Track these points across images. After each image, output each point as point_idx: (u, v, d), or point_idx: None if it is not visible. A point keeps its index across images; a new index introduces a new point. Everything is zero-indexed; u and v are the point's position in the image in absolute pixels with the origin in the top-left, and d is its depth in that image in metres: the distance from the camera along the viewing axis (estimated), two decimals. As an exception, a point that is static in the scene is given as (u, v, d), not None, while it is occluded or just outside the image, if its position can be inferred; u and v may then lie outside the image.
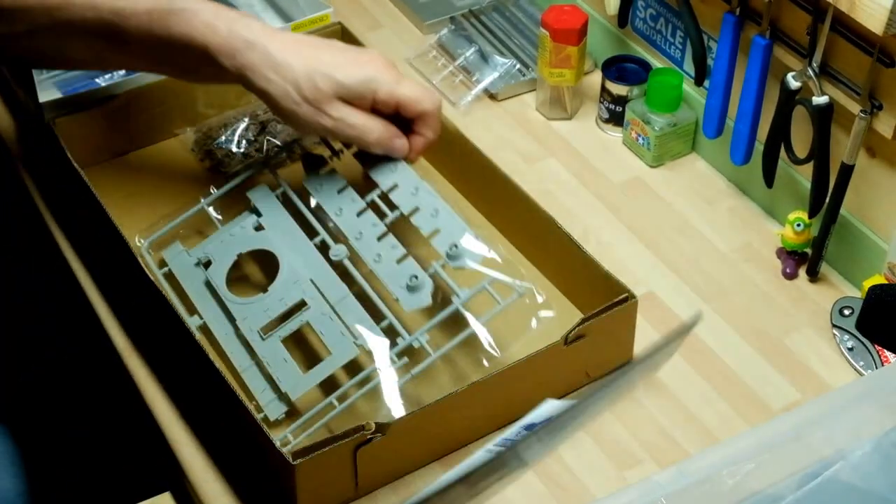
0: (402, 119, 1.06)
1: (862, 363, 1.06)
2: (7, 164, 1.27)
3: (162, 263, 1.11)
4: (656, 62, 1.31)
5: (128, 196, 1.19)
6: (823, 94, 1.06)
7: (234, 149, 1.23)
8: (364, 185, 1.10)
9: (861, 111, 1.04)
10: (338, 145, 1.14)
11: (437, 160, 1.24)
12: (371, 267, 1.04)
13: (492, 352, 1.00)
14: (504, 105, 1.35)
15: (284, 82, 1.01)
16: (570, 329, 0.99)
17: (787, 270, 1.15)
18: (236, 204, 1.13)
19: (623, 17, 1.30)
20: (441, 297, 1.02)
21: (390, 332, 1.00)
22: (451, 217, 1.05)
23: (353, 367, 1.01)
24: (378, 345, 0.99)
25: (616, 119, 1.30)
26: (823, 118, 1.07)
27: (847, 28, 1.03)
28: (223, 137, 1.24)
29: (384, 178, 1.08)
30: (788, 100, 1.09)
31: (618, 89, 1.28)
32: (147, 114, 1.24)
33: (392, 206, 1.07)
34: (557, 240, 1.09)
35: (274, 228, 1.10)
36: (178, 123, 1.26)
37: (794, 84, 1.09)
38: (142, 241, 1.12)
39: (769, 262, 1.17)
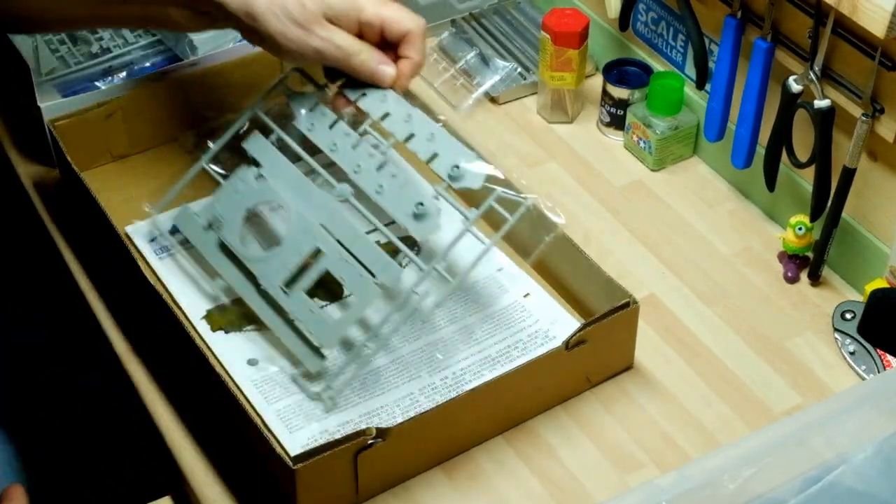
0: (388, 47, 1.06)
1: (864, 367, 1.06)
2: (6, 168, 1.27)
3: (173, 231, 1.11)
4: (657, 65, 1.31)
5: (128, 199, 1.19)
6: (825, 97, 1.06)
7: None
8: (355, 118, 1.09)
9: (863, 115, 1.03)
10: (322, 80, 1.12)
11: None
12: (375, 199, 1.03)
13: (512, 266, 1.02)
14: (505, 108, 1.35)
15: (272, 4, 1.01)
16: (572, 334, 0.99)
17: (789, 274, 1.15)
18: (233, 158, 1.12)
19: (624, 21, 1.30)
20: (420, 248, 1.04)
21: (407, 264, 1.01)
22: (448, 140, 1.04)
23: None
24: (398, 279, 1.00)
25: (617, 122, 1.30)
26: (825, 121, 1.07)
27: (849, 31, 1.02)
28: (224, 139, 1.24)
29: (374, 107, 1.07)
30: (790, 103, 1.09)
31: (619, 93, 1.28)
32: (146, 116, 1.24)
33: (386, 135, 1.07)
34: (559, 244, 1.09)
35: (275, 177, 1.08)
36: (178, 126, 1.25)
37: (795, 87, 1.08)
38: (150, 208, 1.12)
39: (771, 265, 1.16)
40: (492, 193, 1.00)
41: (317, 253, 1.03)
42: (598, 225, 1.21)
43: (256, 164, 1.09)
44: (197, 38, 1.26)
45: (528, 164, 1.28)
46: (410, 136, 1.05)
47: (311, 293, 1.02)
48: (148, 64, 1.30)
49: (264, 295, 1.04)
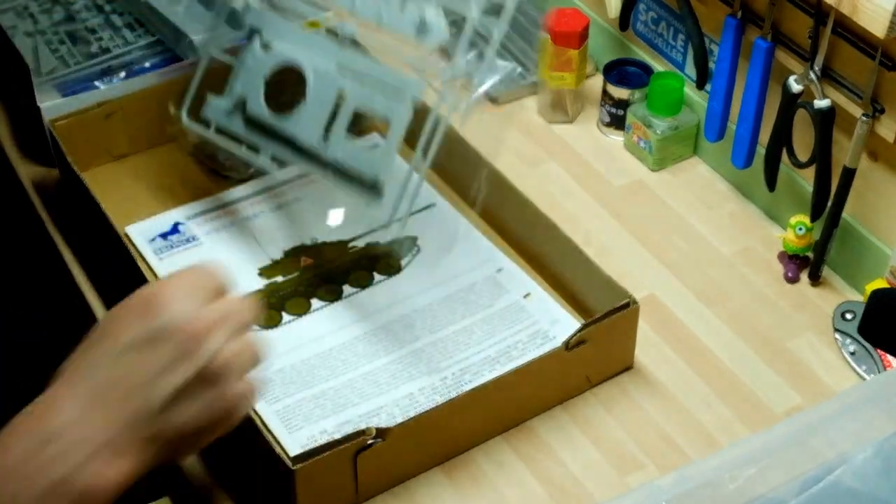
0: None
1: (864, 367, 1.06)
2: (6, 168, 1.27)
3: (206, 125, 1.12)
4: (658, 65, 1.30)
5: (127, 199, 1.19)
6: (825, 97, 1.06)
7: (236, 150, 1.23)
8: None
9: (863, 115, 1.03)
10: None
11: (438, 164, 1.24)
12: (378, 25, 1.04)
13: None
14: (505, 109, 1.35)
15: None
16: (572, 334, 0.99)
17: (789, 274, 1.15)
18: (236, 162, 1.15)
19: (624, 21, 1.30)
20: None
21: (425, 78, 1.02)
22: None
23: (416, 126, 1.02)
24: (423, 90, 1.01)
25: (617, 123, 1.30)
26: (825, 122, 1.06)
27: (849, 31, 1.02)
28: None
29: None
30: (790, 103, 1.09)
31: (619, 93, 1.28)
32: (146, 117, 1.24)
33: None
34: (559, 244, 1.09)
35: (280, 38, 1.09)
36: (179, 127, 1.25)
37: (795, 87, 1.08)
38: (179, 112, 1.13)
39: (771, 265, 1.16)
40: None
41: (341, 96, 1.04)
42: (598, 225, 1.21)
43: (257, 31, 1.10)
44: (197, 38, 1.26)
45: (528, 165, 1.27)
46: None
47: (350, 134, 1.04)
48: (147, 64, 1.29)
49: (307, 154, 1.05)
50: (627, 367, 1.06)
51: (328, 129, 1.04)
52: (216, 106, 1.10)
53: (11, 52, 1.24)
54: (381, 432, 0.91)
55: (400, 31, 1.03)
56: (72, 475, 0.71)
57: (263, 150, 1.08)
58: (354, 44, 1.07)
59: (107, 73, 1.29)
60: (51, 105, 1.20)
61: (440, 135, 1.01)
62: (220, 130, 1.10)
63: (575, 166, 1.28)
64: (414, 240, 1.15)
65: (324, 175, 1.05)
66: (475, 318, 1.08)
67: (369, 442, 0.91)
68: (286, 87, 1.09)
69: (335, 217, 1.15)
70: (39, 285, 1.41)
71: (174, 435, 0.75)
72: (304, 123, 1.05)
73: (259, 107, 1.07)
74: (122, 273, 1.08)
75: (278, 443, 0.97)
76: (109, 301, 1.11)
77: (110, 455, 0.72)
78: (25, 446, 0.72)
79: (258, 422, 0.95)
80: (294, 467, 0.88)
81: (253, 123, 1.08)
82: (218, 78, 1.11)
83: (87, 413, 0.73)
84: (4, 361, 1.53)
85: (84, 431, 0.72)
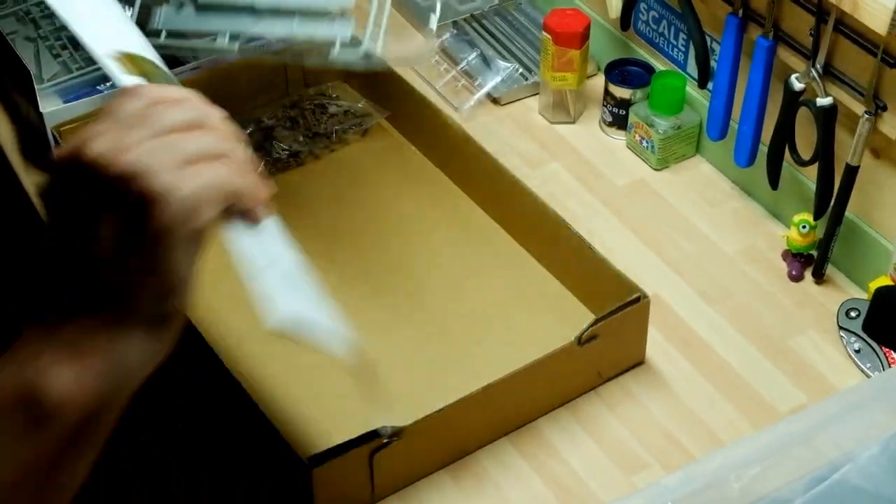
0: None
1: (869, 365, 1.06)
2: (9, 175, 1.27)
3: None
4: (659, 65, 1.30)
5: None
6: (827, 95, 1.06)
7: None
8: None
9: (865, 112, 1.03)
10: None
11: (445, 163, 1.24)
12: None
13: None
14: (507, 109, 1.35)
15: None
16: (584, 329, 0.99)
17: (793, 272, 1.15)
18: None
19: (625, 20, 1.30)
20: None
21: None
22: None
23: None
24: None
25: (619, 122, 1.30)
26: (827, 119, 1.06)
27: (850, 29, 1.02)
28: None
29: None
30: (792, 101, 1.09)
31: (621, 92, 1.28)
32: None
33: None
34: (567, 241, 1.09)
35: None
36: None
37: (797, 85, 1.08)
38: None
39: (774, 264, 1.16)
40: None
41: None
42: (601, 225, 1.20)
43: None
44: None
45: (530, 165, 1.27)
46: None
47: None
48: (149, 68, 1.29)
49: (268, 13, 1.05)
50: (638, 362, 1.06)
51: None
52: (164, 12, 1.09)
53: (13, 58, 1.24)
54: (397, 432, 0.92)
55: None
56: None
57: (221, 33, 1.07)
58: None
59: (108, 77, 1.28)
60: (53, 111, 1.20)
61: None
62: (172, 34, 1.09)
63: (577, 166, 1.28)
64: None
65: (291, 29, 1.04)
66: None
67: (385, 441, 0.91)
68: None
69: None
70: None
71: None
72: None
73: None
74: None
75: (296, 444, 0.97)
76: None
77: None
78: None
79: (274, 423, 0.94)
80: (312, 468, 0.88)
81: (205, 9, 1.07)
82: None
83: None
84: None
85: None
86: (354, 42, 1.03)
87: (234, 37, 1.07)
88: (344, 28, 1.03)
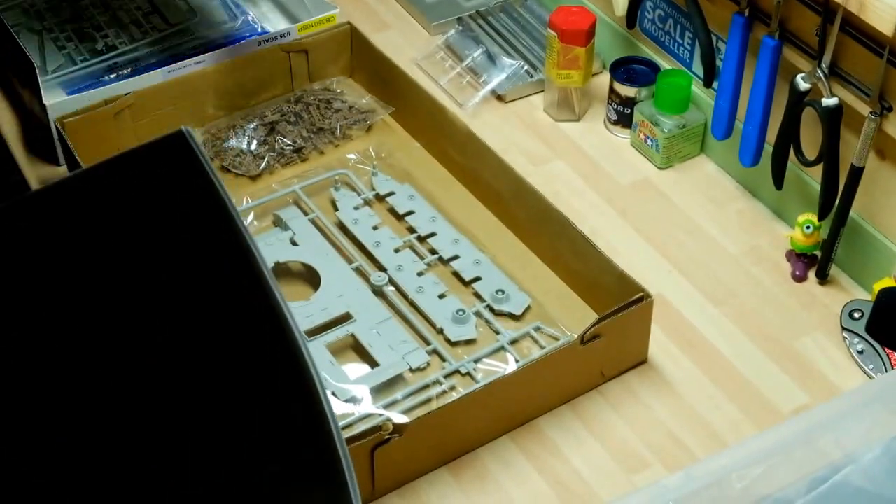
0: None
1: (871, 366, 1.06)
2: (12, 167, 1.27)
3: None
4: (665, 63, 1.30)
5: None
6: (833, 95, 1.06)
7: (245, 147, 1.23)
8: (399, 227, 1.17)
9: (871, 113, 1.03)
10: (371, 190, 1.19)
11: (449, 160, 1.24)
12: (413, 297, 1.09)
13: None
14: (511, 106, 1.35)
15: None
16: (587, 329, 0.99)
17: (797, 273, 1.14)
18: (263, 217, 1.17)
19: (631, 18, 1.30)
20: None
21: (435, 356, 1.05)
22: (493, 268, 1.12)
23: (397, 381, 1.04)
24: (425, 362, 1.04)
25: (624, 121, 1.30)
26: (833, 120, 1.06)
27: (857, 29, 1.02)
28: (233, 138, 1.24)
29: (422, 225, 1.15)
30: (798, 101, 1.09)
31: (626, 91, 1.28)
32: (155, 115, 1.24)
33: (432, 251, 1.14)
34: (571, 239, 1.09)
35: (308, 246, 1.13)
36: (187, 124, 1.25)
37: (803, 85, 1.08)
38: None
39: (778, 264, 1.16)
40: (530, 324, 1.07)
41: (346, 318, 1.07)
42: (605, 223, 1.20)
43: (288, 228, 1.15)
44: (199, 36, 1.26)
45: (534, 163, 1.27)
46: (455, 257, 1.12)
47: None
48: (153, 61, 1.29)
49: None
50: (641, 361, 1.06)
51: (315, 333, 1.05)
52: None
53: (16, 50, 1.23)
54: (399, 427, 0.92)
55: (431, 314, 1.08)
56: None
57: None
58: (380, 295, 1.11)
59: (112, 70, 1.29)
60: (56, 103, 1.20)
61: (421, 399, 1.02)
62: None
63: (582, 164, 1.27)
64: None
65: None
66: None
67: (386, 437, 0.91)
68: (289, 278, 1.11)
69: None
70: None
71: None
72: (296, 317, 1.06)
73: None
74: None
75: None
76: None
77: None
78: None
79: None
80: None
81: None
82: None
83: None
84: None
85: None
86: None
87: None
88: None
